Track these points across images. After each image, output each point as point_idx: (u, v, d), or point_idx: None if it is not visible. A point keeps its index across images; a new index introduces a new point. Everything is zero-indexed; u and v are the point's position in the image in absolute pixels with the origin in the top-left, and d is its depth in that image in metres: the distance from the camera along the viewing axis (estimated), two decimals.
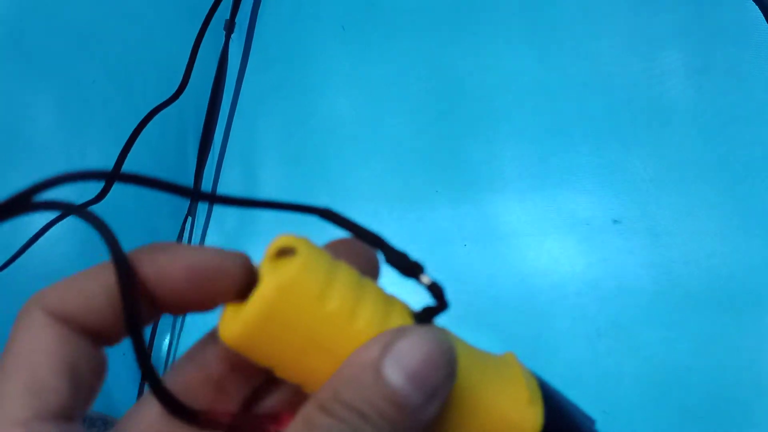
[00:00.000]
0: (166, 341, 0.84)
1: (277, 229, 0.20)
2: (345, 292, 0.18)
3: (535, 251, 0.73)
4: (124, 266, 0.18)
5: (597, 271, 0.71)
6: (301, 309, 0.18)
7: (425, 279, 0.19)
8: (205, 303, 0.19)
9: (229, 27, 0.88)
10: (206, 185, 0.87)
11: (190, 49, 0.81)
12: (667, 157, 0.71)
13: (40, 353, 0.16)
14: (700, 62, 0.72)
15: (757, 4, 0.70)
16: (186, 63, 0.82)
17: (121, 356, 0.77)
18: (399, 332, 0.18)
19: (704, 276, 0.67)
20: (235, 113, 0.89)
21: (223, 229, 0.86)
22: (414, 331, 0.18)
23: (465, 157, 0.78)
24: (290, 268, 0.18)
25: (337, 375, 0.18)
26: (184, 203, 0.84)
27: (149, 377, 0.18)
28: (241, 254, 0.20)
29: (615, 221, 0.71)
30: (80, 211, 0.18)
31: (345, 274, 0.19)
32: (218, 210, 0.87)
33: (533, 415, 0.19)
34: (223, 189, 0.88)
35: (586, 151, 0.74)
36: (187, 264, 0.19)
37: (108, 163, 0.77)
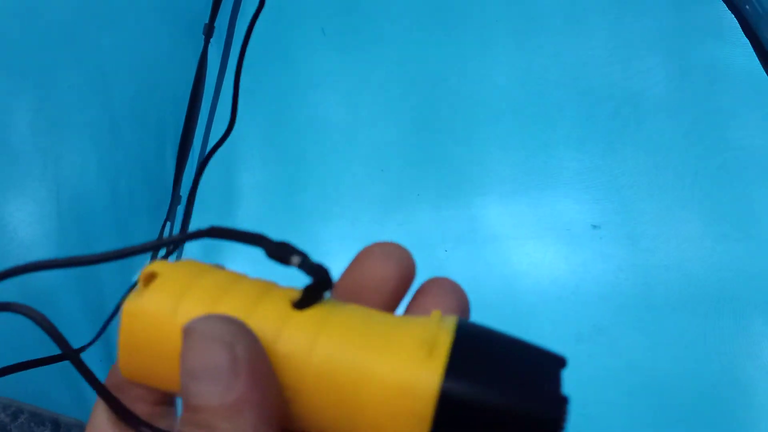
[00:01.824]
0: None
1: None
2: (199, 302, 0.19)
3: (516, 255, 0.73)
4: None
5: (577, 275, 0.71)
6: (157, 327, 0.18)
7: (295, 260, 0.19)
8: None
9: (209, 31, 0.87)
10: (185, 189, 0.86)
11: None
12: (646, 161, 0.72)
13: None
14: (680, 66, 0.73)
15: (730, 9, 0.71)
16: (161, 66, 0.81)
17: (98, 362, 0.76)
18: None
19: (683, 280, 0.68)
20: (215, 117, 0.89)
21: None
22: (185, 332, 0.17)
23: (447, 161, 0.78)
24: (141, 294, 0.19)
25: None
26: (163, 207, 0.83)
27: (95, 384, 0.19)
28: None
29: (594, 226, 0.72)
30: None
31: (206, 283, 0.19)
32: (197, 214, 0.86)
33: (427, 370, 0.16)
34: (203, 193, 0.87)
35: (566, 156, 0.74)
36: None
37: (85, 167, 0.76)
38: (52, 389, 0.72)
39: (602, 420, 0.66)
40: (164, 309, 0.18)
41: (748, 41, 0.70)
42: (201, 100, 0.88)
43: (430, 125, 0.80)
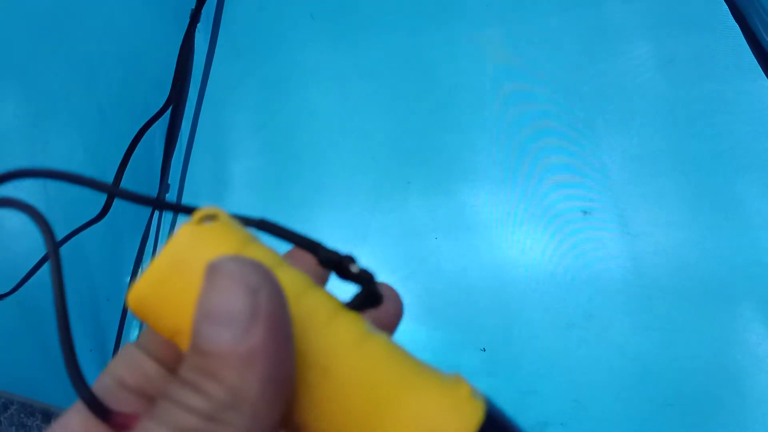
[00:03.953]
0: (136, 333, 0.83)
1: None
2: (259, 254, 0.18)
3: (507, 242, 0.73)
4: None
5: (567, 261, 0.71)
6: (204, 258, 0.17)
7: (354, 268, 0.18)
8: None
9: (195, 16, 0.86)
10: (173, 178, 0.86)
11: (163, 50, 0.80)
12: (637, 148, 0.72)
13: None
14: (668, 54, 0.73)
15: None
16: (148, 53, 0.80)
17: (88, 352, 0.76)
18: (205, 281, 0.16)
19: (673, 266, 0.68)
20: (203, 104, 0.88)
21: None
22: (210, 268, 0.16)
23: (437, 150, 0.78)
24: (203, 223, 0.18)
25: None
26: (152, 191, 0.83)
27: (70, 369, 0.17)
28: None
29: (584, 212, 0.72)
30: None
31: (264, 249, 0.19)
32: (187, 199, 0.86)
33: (473, 407, 0.17)
34: (191, 182, 0.86)
35: (556, 143, 0.74)
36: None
37: (71, 154, 0.75)
38: (43, 380, 0.71)
39: (592, 404, 0.67)
40: (222, 244, 0.17)
41: (737, 26, 0.70)
42: (188, 86, 0.87)
43: (419, 113, 0.79)
